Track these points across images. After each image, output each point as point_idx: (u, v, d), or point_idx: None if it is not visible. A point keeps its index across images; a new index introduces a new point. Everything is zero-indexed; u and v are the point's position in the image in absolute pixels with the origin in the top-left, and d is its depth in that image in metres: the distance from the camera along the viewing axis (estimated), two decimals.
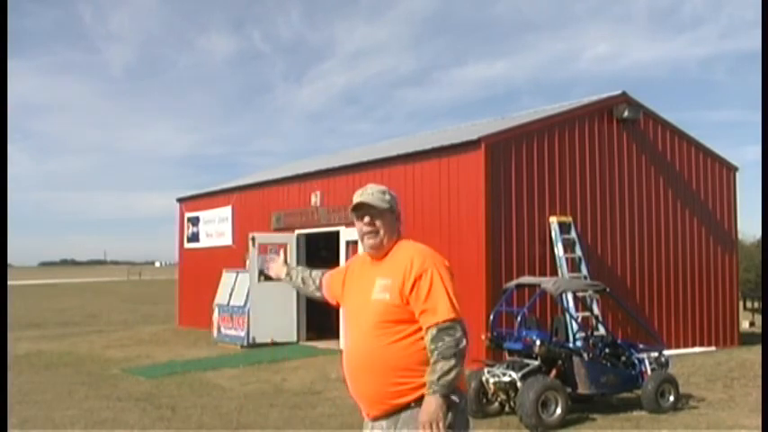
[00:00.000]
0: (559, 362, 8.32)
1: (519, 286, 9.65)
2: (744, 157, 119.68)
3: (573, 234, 12.45)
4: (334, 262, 13.12)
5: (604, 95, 13.88)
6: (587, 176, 13.00)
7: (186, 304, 19.74)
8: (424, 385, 3.03)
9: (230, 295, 15.78)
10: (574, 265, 12.32)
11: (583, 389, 8.28)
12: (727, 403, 8.99)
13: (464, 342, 3.03)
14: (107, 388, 10.32)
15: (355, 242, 13.19)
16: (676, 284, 14.16)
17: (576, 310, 11.49)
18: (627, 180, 13.59)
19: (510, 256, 11.81)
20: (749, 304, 21.35)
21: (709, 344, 14.32)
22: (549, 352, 8.24)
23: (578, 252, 12.41)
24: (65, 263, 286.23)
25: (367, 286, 3.25)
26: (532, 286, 9.68)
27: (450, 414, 3.01)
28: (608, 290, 9.90)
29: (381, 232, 3.26)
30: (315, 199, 15.24)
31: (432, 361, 3.00)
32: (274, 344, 14.72)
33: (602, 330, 10.32)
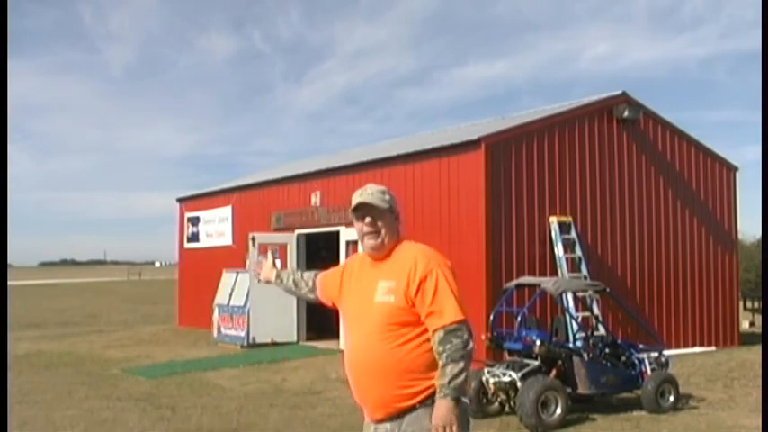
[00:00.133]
0: (559, 362, 8.32)
1: (519, 286, 9.65)
2: (744, 157, 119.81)
3: (573, 234, 12.45)
4: (334, 262, 13.06)
5: (604, 95, 13.88)
6: (587, 176, 13.00)
7: (186, 304, 19.74)
8: (428, 388, 3.02)
9: (230, 295, 15.78)
10: (574, 265, 12.32)
11: (583, 389, 8.28)
12: (727, 403, 9.00)
13: (471, 344, 3.01)
14: (107, 388, 10.32)
15: (355, 242, 13.15)
16: (676, 284, 14.16)
17: (576, 310, 11.50)
18: (627, 180, 13.59)
19: (510, 256, 11.81)
20: (749, 304, 21.35)
21: (709, 344, 14.32)
22: (549, 352, 8.24)
23: (578, 252, 12.41)
24: (65, 263, 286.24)
25: (368, 288, 3.20)
26: (532, 286, 9.68)
27: None
28: (608, 290, 9.90)
29: (383, 233, 3.21)
30: (315, 199, 15.24)
31: (440, 364, 2.97)
32: (274, 344, 14.72)
33: (602, 330, 10.32)
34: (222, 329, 15.68)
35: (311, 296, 3.70)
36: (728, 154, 19.63)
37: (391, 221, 3.25)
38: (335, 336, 13.44)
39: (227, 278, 16.26)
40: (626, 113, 13.40)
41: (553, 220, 12.33)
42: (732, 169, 15.39)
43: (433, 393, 3.02)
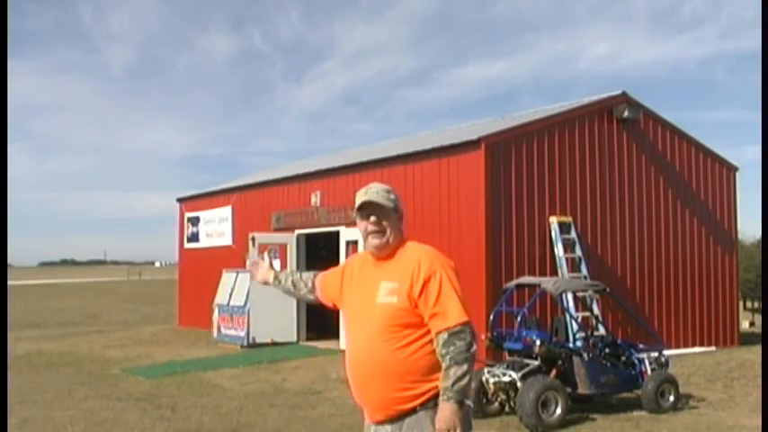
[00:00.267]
0: (559, 362, 8.32)
1: (519, 286, 9.65)
2: (744, 157, 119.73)
3: (573, 234, 12.46)
4: (334, 262, 13.05)
5: (604, 95, 13.89)
6: (587, 176, 13.00)
7: (186, 304, 19.75)
8: (429, 391, 3.01)
9: (230, 295, 15.78)
10: (574, 265, 12.32)
11: (583, 389, 8.28)
12: (727, 403, 9.00)
13: (475, 346, 2.99)
14: (107, 388, 10.33)
15: (355, 242, 13.19)
16: (676, 284, 14.16)
17: (576, 310, 11.50)
18: (627, 180, 13.59)
19: (510, 256, 11.81)
20: (749, 304, 21.36)
21: (709, 344, 14.32)
22: (549, 352, 8.25)
23: (578, 252, 12.41)
24: (65, 263, 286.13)
25: (370, 289, 3.17)
26: (532, 286, 9.68)
27: None
28: (608, 290, 9.91)
29: (388, 232, 3.17)
30: (315, 199, 15.24)
31: (444, 366, 2.96)
32: (274, 344, 14.72)
33: (602, 330, 10.33)
34: (222, 329, 15.68)
35: (310, 297, 3.65)
36: (728, 154, 19.67)
37: (396, 221, 3.22)
38: (336, 336, 13.44)
39: (227, 278, 16.26)
40: (626, 113, 13.40)
41: (553, 220, 12.34)
42: (732, 169, 15.40)
43: (435, 396, 3.00)
